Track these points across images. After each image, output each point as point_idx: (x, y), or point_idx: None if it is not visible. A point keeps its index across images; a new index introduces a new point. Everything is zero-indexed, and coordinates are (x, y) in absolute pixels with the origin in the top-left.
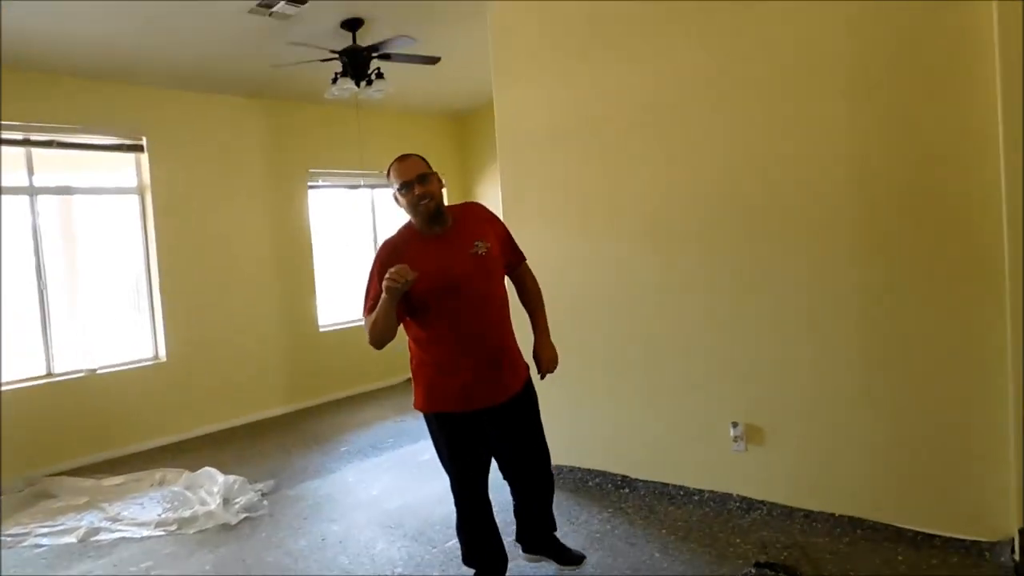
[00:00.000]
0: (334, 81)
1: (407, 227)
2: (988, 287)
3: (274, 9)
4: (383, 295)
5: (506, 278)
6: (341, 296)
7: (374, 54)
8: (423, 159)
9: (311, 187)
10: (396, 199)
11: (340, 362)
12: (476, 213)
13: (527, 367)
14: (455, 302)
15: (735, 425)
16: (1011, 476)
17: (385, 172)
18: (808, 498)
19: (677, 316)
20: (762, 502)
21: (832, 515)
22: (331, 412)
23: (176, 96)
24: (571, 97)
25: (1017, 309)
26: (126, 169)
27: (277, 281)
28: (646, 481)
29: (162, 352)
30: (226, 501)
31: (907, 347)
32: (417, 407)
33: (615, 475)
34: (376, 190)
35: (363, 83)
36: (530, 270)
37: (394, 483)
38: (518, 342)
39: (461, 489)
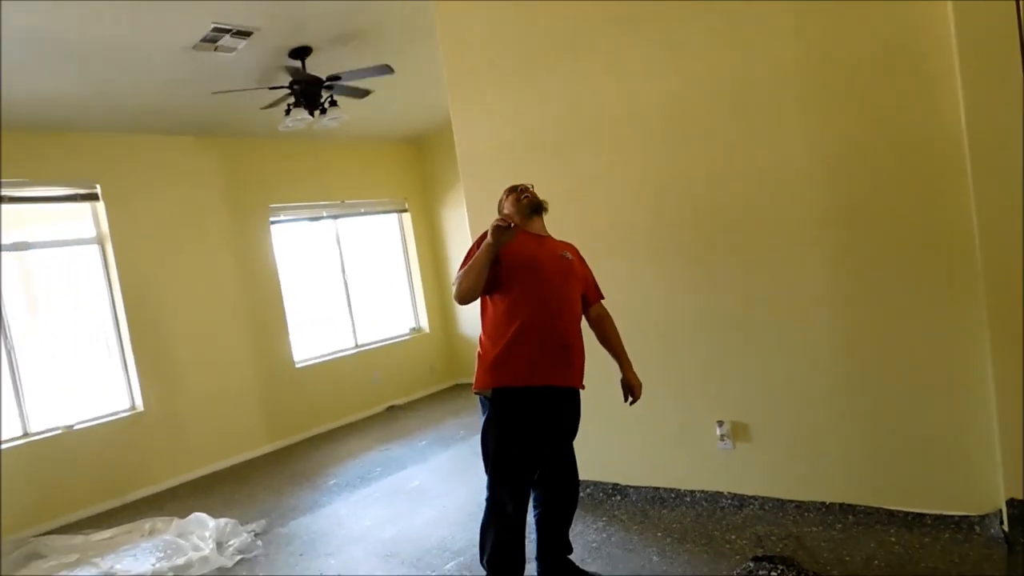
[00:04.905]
0: (287, 113)
1: None
2: (960, 265)
3: (219, 43)
4: (487, 240)
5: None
6: (315, 330)
7: (325, 81)
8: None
9: (273, 222)
10: (500, 208)
11: (319, 396)
12: (569, 244)
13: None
14: (535, 280)
15: (720, 424)
16: (996, 449)
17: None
18: (799, 489)
19: (654, 324)
20: (754, 497)
21: (824, 504)
22: (315, 447)
23: (127, 141)
24: (530, 111)
25: (992, 284)
26: (83, 219)
27: (248, 320)
28: (637, 487)
29: (139, 402)
30: (219, 545)
31: (884, 331)
32: (478, 387)
33: (606, 484)
34: (339, 220)
35: (317, 112)
36: (609, 314)
37: (386, 512)
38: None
39: (502, 479)
